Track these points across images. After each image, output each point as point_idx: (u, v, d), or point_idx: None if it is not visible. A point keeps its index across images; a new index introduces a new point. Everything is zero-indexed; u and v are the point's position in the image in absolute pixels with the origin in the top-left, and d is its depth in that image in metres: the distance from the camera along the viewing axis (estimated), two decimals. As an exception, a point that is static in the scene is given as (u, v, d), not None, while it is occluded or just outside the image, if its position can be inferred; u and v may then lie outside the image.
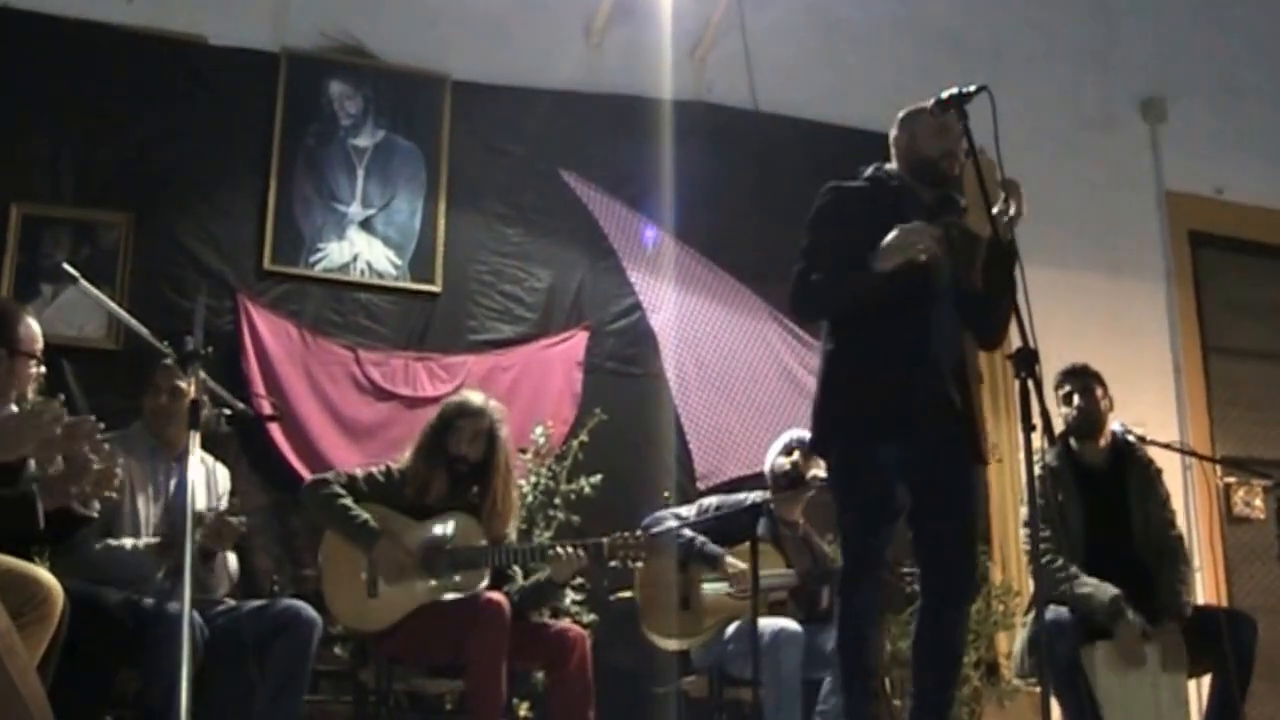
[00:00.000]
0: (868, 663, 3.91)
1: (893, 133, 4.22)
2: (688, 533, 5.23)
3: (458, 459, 4.87)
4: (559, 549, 4.83)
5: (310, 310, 6.06)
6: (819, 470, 5.09)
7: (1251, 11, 8.36)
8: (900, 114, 4.21)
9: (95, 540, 4.37)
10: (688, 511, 5.39)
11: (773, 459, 5.50)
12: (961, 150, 4.01)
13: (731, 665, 5.06)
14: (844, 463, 4.05)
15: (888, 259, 3.84)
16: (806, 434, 5.36)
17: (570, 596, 5.58)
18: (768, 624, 4.92)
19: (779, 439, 5.57)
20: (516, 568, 4.97)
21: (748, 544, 5.19)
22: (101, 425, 3.67)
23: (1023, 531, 5.20)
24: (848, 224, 4.03)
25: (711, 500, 5.52)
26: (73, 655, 3.80)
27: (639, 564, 4.98)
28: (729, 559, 5.20)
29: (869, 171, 4.21)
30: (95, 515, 3.96)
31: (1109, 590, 4.86)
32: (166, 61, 6.06)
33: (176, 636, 3.46)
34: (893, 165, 4.21)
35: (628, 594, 5.38)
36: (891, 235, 3.85)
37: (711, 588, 5.23)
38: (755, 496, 5.42)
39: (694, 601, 5.22)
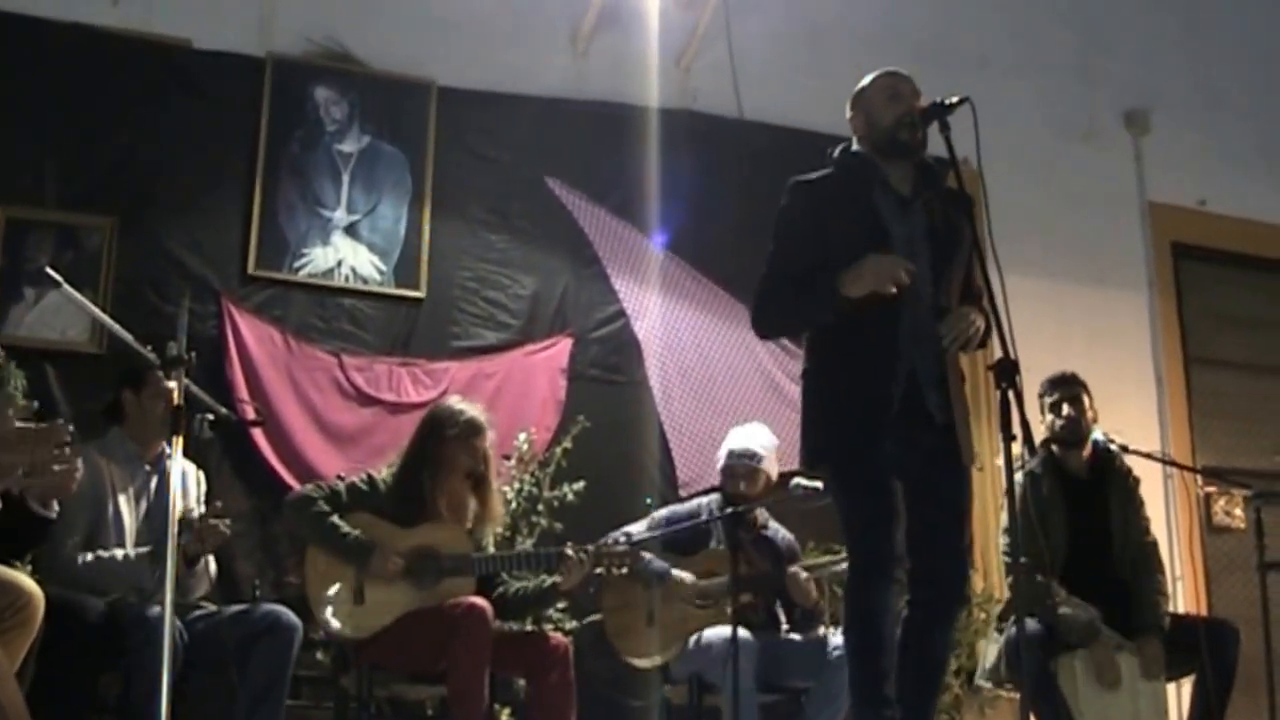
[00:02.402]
0: (882, 667, 3.85)
1: (849, 115, 4.20)
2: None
3: (470, 474, 4.90)
4: (569, 553, 4.84)
5: (294, 315, 6.05)
6: (803, 479, 5.07)
7: (1235, 25, 8.41)
8: (850, 98, 4.19)
9: (79, 553, 4.37)
10: (637, 529, 5.30)
11: (723, 462, 5.48)
12: (918, 110, 3.99)
13: (707, 674, 5.06)
14: (840, 472, 4.02)
15: (855, 286, 3.84)
16: (754, 447, 5.42)
17: (553, 603, 5.58)
18: (719, 633, 4.96)
19: (735, 441, 5.53)
20: (504, 574, 4.99)
21: (702, 553, 5.30)
22: (71, 429, 3.66)
23: (1003, 539, 5.22)
24: (814, 224, 4.02)
25: (662, 512, 5.49)
26: (52, 660, 3.80)
27: (624, 570, 4.99)
28: (674, 572, 5.20)
29: (836, 154, 4.17)
30: (54, 516, 3.94)
31: (1088, 612, 4.90)
32: (152, 65, 6.05)
33: (157, 641, 3.46)
34: (858, 147, 4.18)
35: (597, 617, 5.39)
36: (863, 263, 3.84)
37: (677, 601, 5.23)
38: (709, 504, 5.42)
39: (659, 618, 5.21)
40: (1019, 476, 5.14)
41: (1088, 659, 4.91)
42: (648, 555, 5.21)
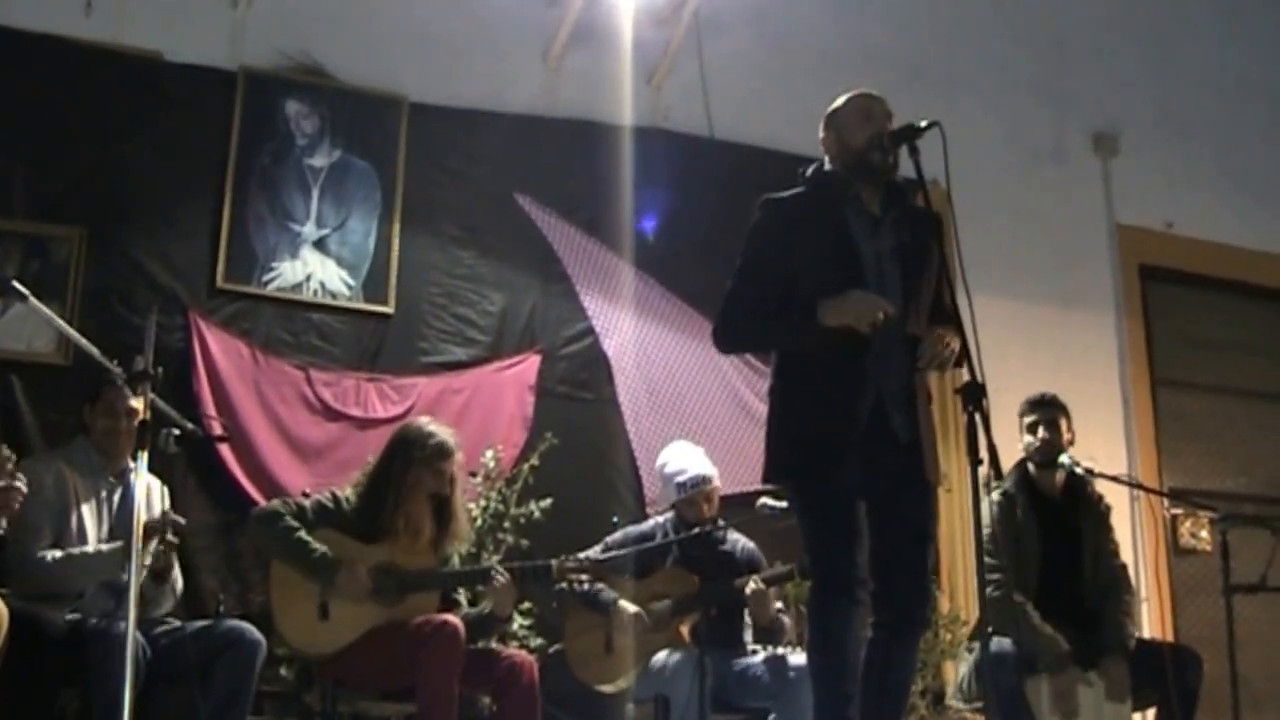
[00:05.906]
0: (846, 689, 3.84)
1: (822, 135, 4.21)
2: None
3: (434, 495, 4.89)
4: (496, 577, 4.82)
5: (262, 329, 6.02)
6: (769, 499, 5.07)
7: (1202, 48, 8.49)
8: (824, 117, 4.20)
9: (46, 552, 4.33)
10: (593, 554, 5.24)
11: (676, 486, 5.48)
12: (889, 132, 4.00)
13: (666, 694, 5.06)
14: (803, 492, 4.02)
15: (834, 317, 3.84)
16: (706, 471, 5.45)
17: (518, 621, 5.55)
18: (668, 655, 5.02)
19: (688, 469, 5.52)
20: (462, 591, 4.98)
21: (655, 574, 5.33)
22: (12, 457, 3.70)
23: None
24: (784, 240, 4.02)
25: (616, 536, 5.49)
26: (13, 675, 3.77)
27: (586, 586, 4.99)
28: (620, 603, 5.22)
29: (809, 173, 4.17)
30: (2, 530, 3.94)
31: (1060, 645, 4.90)
32: (123, 77, 6.02)
33: (119, 656, 3.44)
34: (830, 167, 4.18)
35: (558, 647, 5.41)
36: (848, 297, 3.85)
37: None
38: (664, 524, 5.45)
39: (616, 644, 5.22)
40: (995, 495, 5.17)
41: (1050, 684, 4.92)
42: (598, 587, 5.23)
